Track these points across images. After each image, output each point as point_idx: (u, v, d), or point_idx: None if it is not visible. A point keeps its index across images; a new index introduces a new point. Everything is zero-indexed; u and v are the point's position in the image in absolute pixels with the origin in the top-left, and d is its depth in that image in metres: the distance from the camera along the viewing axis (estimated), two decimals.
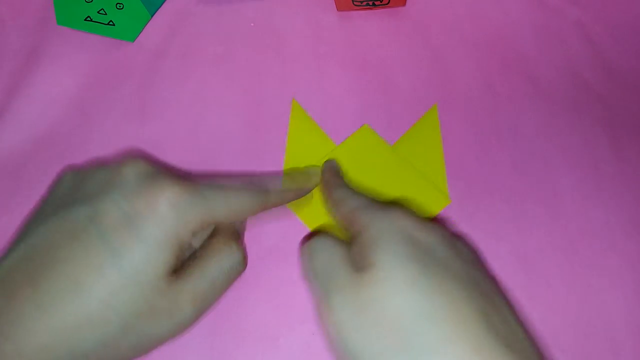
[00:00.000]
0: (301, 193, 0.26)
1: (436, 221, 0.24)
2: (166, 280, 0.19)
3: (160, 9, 0.34)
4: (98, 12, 0.33)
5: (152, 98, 0.31)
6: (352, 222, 0.21)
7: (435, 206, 0.28)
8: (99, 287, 0.18)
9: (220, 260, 0.21)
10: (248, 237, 0.26)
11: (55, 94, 0.31)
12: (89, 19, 0.33)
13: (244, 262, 0.22)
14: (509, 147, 0.30)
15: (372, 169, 0.29)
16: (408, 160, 0.29)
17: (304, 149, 0.29)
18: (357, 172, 0.29)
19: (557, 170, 0.29)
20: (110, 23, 0.33)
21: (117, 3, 0.33)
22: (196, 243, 0.22)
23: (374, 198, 0.23)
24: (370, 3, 0.33)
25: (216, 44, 0.33)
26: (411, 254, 0.18)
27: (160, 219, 0.18)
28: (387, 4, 0.33)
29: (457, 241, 0.21)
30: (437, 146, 0.30)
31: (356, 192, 0.24)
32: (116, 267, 0.18)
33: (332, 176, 0.27)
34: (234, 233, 0.23)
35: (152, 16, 0.33)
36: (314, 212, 0.28)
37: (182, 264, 0.21)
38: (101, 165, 0.22)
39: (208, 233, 0.23)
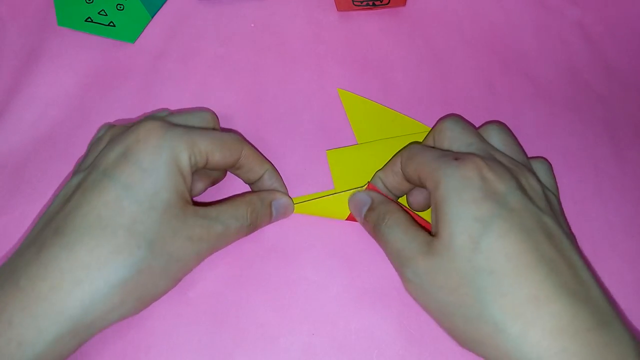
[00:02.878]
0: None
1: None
2: (181, 206, 0.21)
3: (161, 9, 0.34)
4: (98, 13, 0.33)
5: (153, 99, 0.31)
6: (426, 178, 0.22)
7: None
8: (122, 218, 0.20)
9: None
10: (248, 237, 0.26)
11: (55, 94, 0.31)
12: (89, 19, 0.33)
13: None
14: None
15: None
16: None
17: (369, 126, 0.30)
18: None
19: (557, 170, 0.29)
20: (111, 24, 0.33)
21: (118, 4, 0.33)
22: None
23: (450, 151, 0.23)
24: (370, 3, 0.33)
25: (216, 44, 0.33)
26: (476, 214, 0.19)
27: (153, 147, 0.21)
28: (387, 4, 0.33)
29: (536, 184, 0.22)
30: None
31: (429, 146, 0.24)
32: (132, 198, 0.20)
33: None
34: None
35: (152, 17, 0.34)
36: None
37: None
38: (126, 129, 0.23)
39: None
